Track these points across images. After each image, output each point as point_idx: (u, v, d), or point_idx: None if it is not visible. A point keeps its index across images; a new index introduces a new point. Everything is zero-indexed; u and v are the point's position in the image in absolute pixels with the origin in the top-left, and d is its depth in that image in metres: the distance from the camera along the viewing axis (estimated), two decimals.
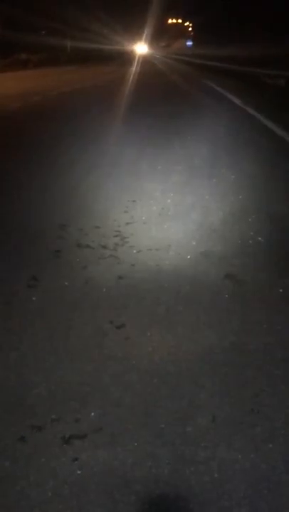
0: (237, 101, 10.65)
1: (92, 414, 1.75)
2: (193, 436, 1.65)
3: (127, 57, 42.10)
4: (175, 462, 1.56)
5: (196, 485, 1.48)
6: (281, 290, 2.60)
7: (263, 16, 20.25)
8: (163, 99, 11.61)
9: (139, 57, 42.03)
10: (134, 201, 4.01)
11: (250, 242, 3.23)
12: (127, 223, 3.54)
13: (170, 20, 75.45)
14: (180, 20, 72.66)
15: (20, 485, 1.48)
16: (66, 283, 2.69)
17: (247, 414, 1.75)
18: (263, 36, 18.79)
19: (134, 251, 3.08)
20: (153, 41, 72.58)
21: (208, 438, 1.64)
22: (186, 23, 67.19)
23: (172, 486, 1.48)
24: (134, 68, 25.81)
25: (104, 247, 3.14)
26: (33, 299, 2.54)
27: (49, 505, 1.42)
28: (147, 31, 65.10)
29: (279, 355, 2.07)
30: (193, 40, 53.77)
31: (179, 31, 69.19)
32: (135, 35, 66.22)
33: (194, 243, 3.20)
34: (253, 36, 20.75)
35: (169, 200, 4.04)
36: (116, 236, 3.30)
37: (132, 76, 19.20)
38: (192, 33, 58.41)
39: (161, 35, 72.63)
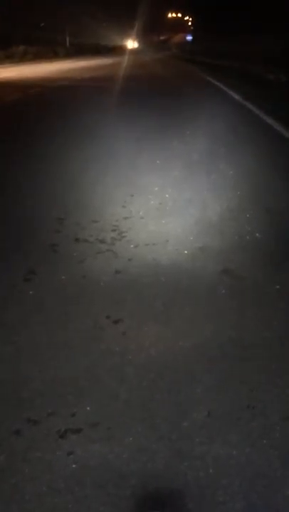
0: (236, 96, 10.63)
1: (88, 408, 1.75)
2: (189, 431, 1.65)
3: (122, 52, 43.08)
4: (170, 457, 1.56)
5: (191, 480, 1.48)
6: (278, 286, 2.60)
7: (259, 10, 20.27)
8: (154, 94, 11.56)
9: (134, 52, 42.57)
10: (132, 196, 4.00)
11: (248, 237, 3.22)
12: (125, 218, 3.52)
13: (170, 15, 75.08)
14: (180, 15, 72.28)
15: (15, 478, 1.48)
16: (63, 277, 2.68)
17: (243, 409, 1.75)
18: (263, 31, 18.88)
19: (132, 246, 3.07)
20: (153, 35, 72.20)
21: (204, 433, 1.64)
22: (186, 18, 66.83)
23: (167, 480, 1.48)
24: (124, 64, 25.80)
25: (102, 241, 3.13)
26: (30, 292, 2.53)
27: (44, 499, 1.42)
28: (145, 26, 64.90)
29: (276, 350, 2.08)
30: (192, 35, 53.46)
31: (179, 25, 68.80)
32: (132, 30, 65.99)
33: (192, 238, 3.20)
34: (252, 33, 20.79)
35: (167, 195, 4.03)
36: (114, 230, 3.29)
37: (123, 71, 19.12)
38: (192, 28, 58.07)
39: (160, 29, 72.27)
